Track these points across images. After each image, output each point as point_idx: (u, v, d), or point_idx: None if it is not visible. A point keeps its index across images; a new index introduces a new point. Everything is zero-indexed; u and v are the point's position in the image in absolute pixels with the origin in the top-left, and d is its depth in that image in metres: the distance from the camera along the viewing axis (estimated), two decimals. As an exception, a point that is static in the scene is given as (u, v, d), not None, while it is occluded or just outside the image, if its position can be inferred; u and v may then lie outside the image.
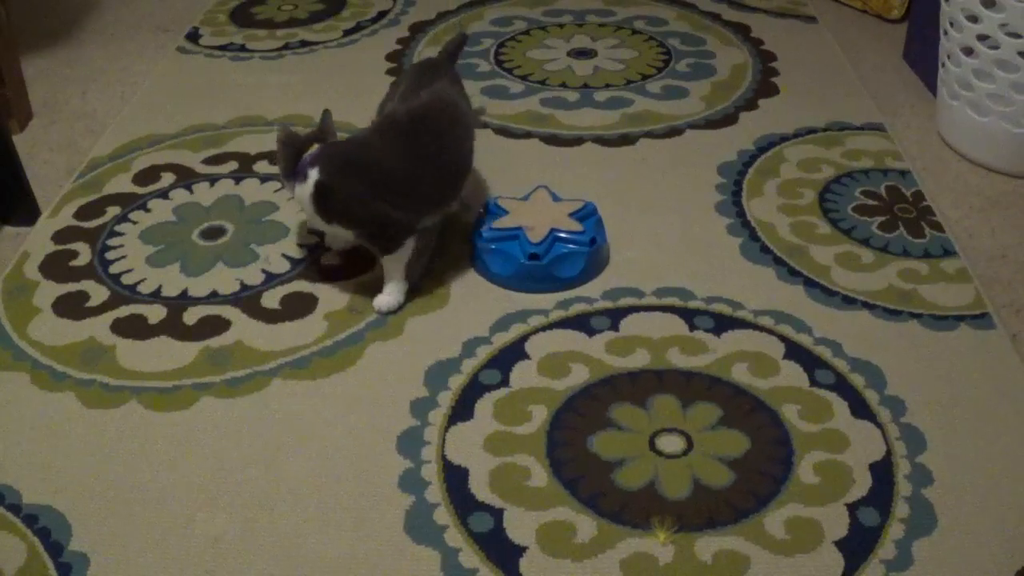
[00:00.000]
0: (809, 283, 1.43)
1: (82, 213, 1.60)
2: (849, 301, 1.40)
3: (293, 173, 1.34)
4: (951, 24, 1.68)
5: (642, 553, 1.06)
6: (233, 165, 1.71)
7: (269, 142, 1.77)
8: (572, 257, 1.42)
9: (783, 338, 1.33)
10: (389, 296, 1.38)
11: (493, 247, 1.43)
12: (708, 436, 1.19)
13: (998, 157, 1.68)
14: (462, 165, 1.43)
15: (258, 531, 1.09)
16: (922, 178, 1.67)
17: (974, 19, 1.62)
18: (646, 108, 1.86)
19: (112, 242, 1.53)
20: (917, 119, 1.85)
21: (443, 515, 1.10)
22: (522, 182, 1.63)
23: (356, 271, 1.46)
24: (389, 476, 1.15)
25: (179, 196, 1.63)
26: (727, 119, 1.83)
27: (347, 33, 2.16)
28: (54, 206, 1.61)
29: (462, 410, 1.23)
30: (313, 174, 1.31)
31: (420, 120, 1.37)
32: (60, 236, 1.55)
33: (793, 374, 1.28)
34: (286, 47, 2.10)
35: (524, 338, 1.34)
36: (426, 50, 2.08)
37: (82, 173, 1.69)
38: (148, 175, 1.69)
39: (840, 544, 1.07)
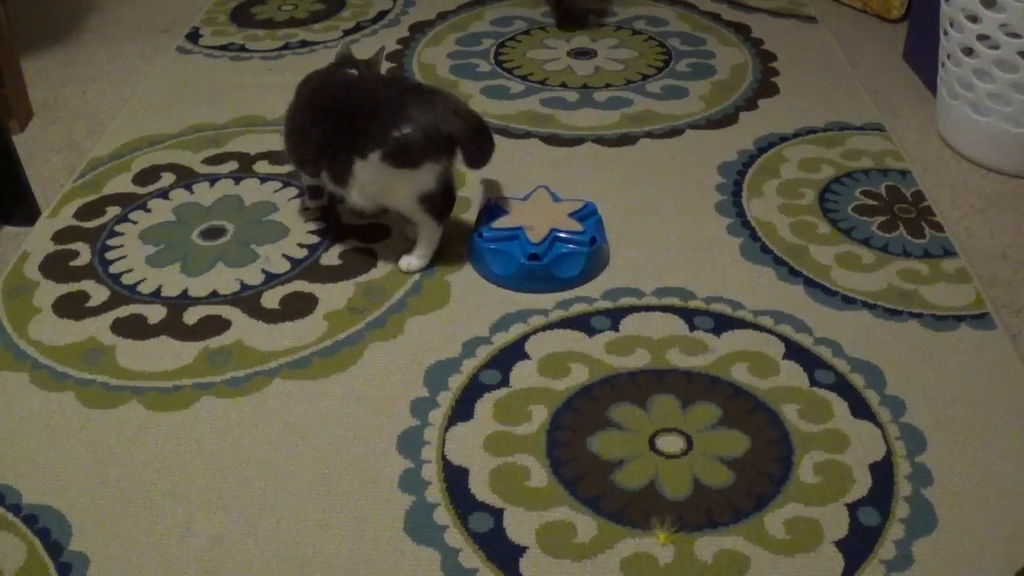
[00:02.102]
0: (809, 283, 1.43)
1: (82, 213, 1.60)
2: (849, 301, 1.40)
3: None
4: (951, 24, 1.68)
5: (642, 553, 1.06)
6: (233, 165, 1.71)
7: (269, 142, 1.77)
8: (572, 257, 1.42)
9: (783, 338, 1.33)
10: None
11: (493, 247, 1.43)
12: (708, 436, 1.19)
13: (998, 157, 1.68)
14: (322, 147, 1.40)
15: (258, 531, 1.09)
16: (922, 178, 1.67)
17: (974, 19, 1.62)
18: (646, 108, 1.86)
19: (112, 242, 1.53)
20: (917, 119, 1.85)
21: (443, 515, 1.10)
22: (522, 182, 1.63)
23: (356, 271, 1.46)
24: (389, 476, 1.15)
25: (179, 196, 1.63)
26: (727, 119, 1.83)
27: (347, 33, 2.16)
28: (54, 206, 1.61)
29: (462, 410, 1.23)
30: None
31: (331, 85, 1.44)
32: (60, 236, 1.55)
33: (793, 374, 1.28)
34: (286, 47, 2.10)
35: (524, 338, 1.34)
36: (425, 50, 2.08)
37: (82, 173, 1.69)
38: (148, 175, 1.69)
39: (840, 544, 1.07)
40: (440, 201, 1.43)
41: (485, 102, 1.88)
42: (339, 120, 1.38)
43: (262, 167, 1.70)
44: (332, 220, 1.56)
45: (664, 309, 1.39)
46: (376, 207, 1.44)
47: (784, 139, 1.77)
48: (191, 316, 1.38)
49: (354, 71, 1.49)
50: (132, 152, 1.75)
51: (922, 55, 1.96)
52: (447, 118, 1.35)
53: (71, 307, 1.40)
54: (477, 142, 1.39)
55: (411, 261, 1.46)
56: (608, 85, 1.94)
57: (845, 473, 1.15)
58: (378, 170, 1.35)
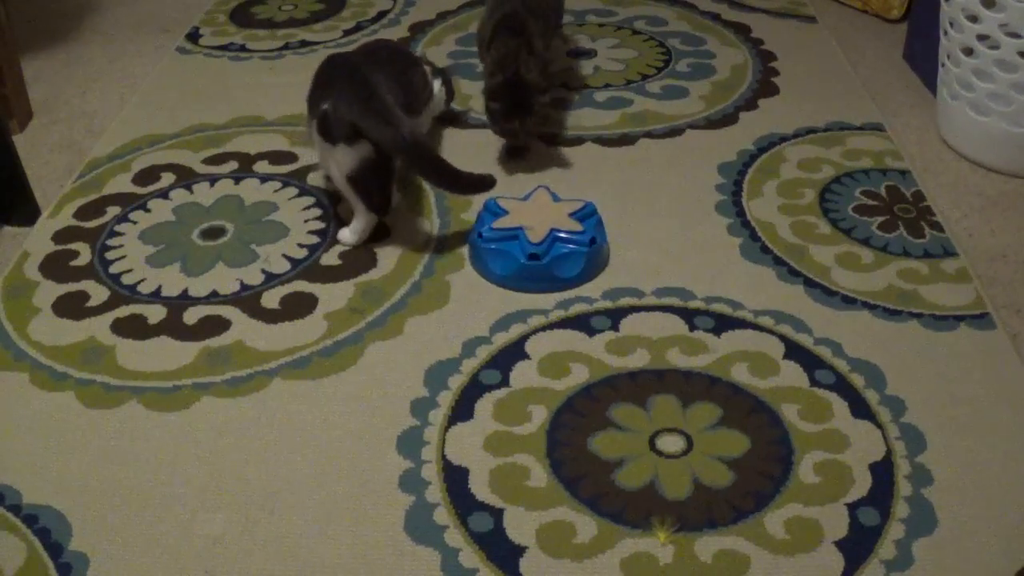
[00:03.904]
0: (809, 283, 1.43)
1: (82, 213, 1.60)
2: (849, 301, 1.40)
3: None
4: (951, 24, 1.68)
5: (642, 553, 1.06)
6: (233, 165, 1.71)
7: (269, 142, 1.77)
8: (572, 257, 1.42)
9: (783, 338, 1.33)
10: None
11: (493, 247, 1.43)
12: (708, 436, 1.19)
13: (998, 157, 1.68)
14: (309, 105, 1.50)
15: (258, 531, 1.09)
16: (922, 178, 1.67)
17: (974, 19, 1.62)
18: (646, 108, 1.86)
19: (112, 242, 1.53)
20: (917, 119, 1.85)
21: (443, 515, 1.10)
22: (522, 182, 1.63)
23: (356, 271, 1.46)
24: (389, 476, 1.15)
25: (179, 196, 1.63)
26: (727, 119, 1.83)
27: (347, 33, 2.16)
28: (54, 206, 1.61)
29: (462, 410, 1.23)
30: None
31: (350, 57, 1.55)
32: (60, 236, 1.55)
33: (793, 374, 1.28)
34: (286, 47, 2.10)
35: (524, 338, 1.34)
36: (425, 51, 2.08)
37: (82, 173, 1.69)
38: (148, 175, 1.69)
39: (840, 544, 1.07)
40: (367, 187, 1.47)
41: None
42: (315, 86, 1.49)
43: (262, 167, 1.70)
44: (332, 220, 1.56)
45: (664, 309, 1.39)
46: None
47: (784, 139, 1.77)
48: (191, 316, 1.38)
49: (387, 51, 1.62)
50: (132, 152, 1.75)
51: (922, 55, 1.96)
52: (359, 111, 1.39)
53: (71, 307, 1.40)
54: (404, 157, 1.43)
55: (344, 234, 1.51)
56: (608, 85, 1.94)
57: (845, 473, 1.15)
58: (316, 138, 1.45)
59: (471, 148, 1.74)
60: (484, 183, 1.48)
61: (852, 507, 1.11)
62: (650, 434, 1.19)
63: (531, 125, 1.65)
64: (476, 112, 1.84)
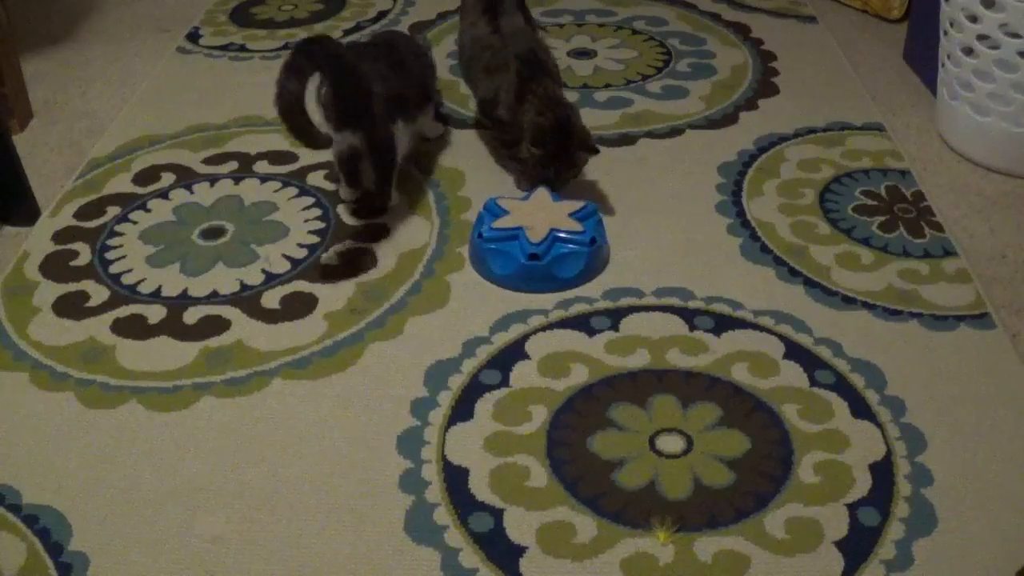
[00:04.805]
0: (809, 283, 1.43)
1: (82, 213, 1.60)
2: (849, 301, 1.40)
3: None
4: (951, 24, 1.68)
5: (642, 553, 1.06)
6: (233, 165, 1.71)
7: (269, 142, 1.77)
8: (572, 257, 1.42)
9: (783, 338, 1.33)
10: None
11: (493, 247, 1.43)
12: (708, 436, 1.19)
13: (998, 157, 1.68)
14: None
15: (258, 531, 1.09)
16: (922, 178, 1.67)
17: (974, 19, 1.62)
18: (646, 108, 1.86)
19: (112, 242, 1.53)
20: (917, 119, 1.85)
21: (443, 515, 1.10)
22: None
23: (356, 271, 1.46)
24: (389, 476, 1.15)
25: (179, 196, 1.63)
26: (727, 119, 1.83)
27: (347, 33, 2.16)
28: (54, 206, 1.61)
29: (462, 410, 1.23)
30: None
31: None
32: (60, 236, 1.55)
33: (793, 374, 1.28)
34: (286, 47, 2.10)
35: (524, 338, 1.34)
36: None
37: (82, 173, 1.69)
38: (148, 175, 1.69)
39: (840, 544, 1.07)
40: (348, 169, 1.55)
41: (485, 102, 1.87)
42: None
43: (262, 167, 1.70)
44: (332, 220, 1.56)
45: (664, 309, 1.39)
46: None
47: (784, 139, 1.77)
48: (191, 316, 1.38)
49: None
50: (132, 152, 1.75)
51: (922, 55, 1.96)
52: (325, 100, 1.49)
53: (71, 307, 1.40)
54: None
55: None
56: (608, 85, 1.94)
57: (845, 473, 1.15)
58: None
59: (472, 148, 1.74)
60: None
61: (852, 507, 1.11)
62: (650, 434, 1.19)
63: (570, 176, 1.58)
64: (470, 110, 1.84)
